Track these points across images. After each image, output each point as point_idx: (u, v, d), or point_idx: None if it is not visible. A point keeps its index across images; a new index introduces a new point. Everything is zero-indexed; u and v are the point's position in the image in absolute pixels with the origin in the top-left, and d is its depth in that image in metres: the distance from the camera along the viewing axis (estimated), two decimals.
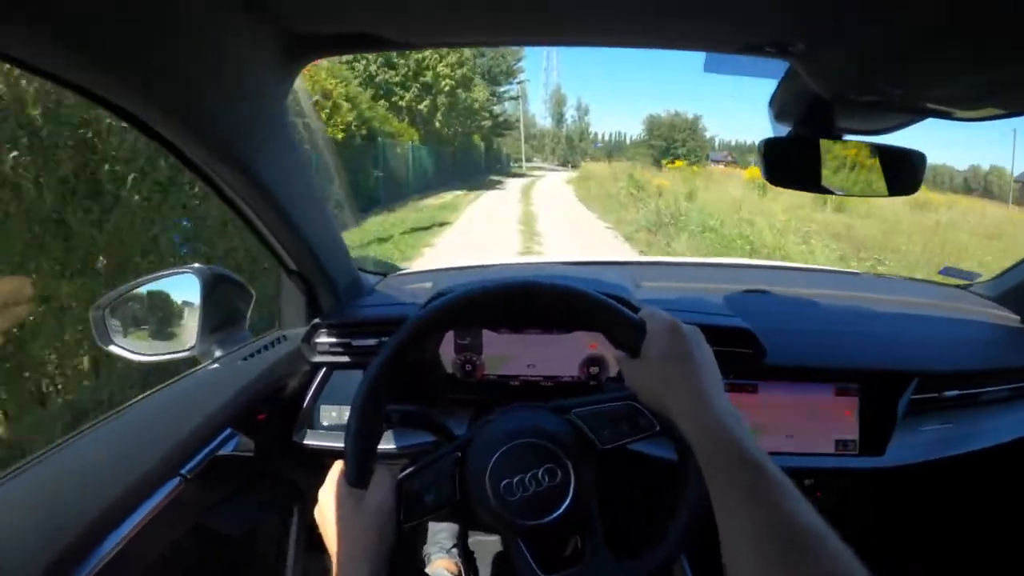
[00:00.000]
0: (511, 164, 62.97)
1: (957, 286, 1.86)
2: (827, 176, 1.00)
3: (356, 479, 0.83)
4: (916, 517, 1.62)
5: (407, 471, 0.89)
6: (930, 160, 1.08)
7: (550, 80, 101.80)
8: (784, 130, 1.08)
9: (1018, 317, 1.64)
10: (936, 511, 1.62)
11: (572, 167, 68.52)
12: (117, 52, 0.64)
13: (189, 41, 0.71)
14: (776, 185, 1.03)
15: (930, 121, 0.95)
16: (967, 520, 1.65)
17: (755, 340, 1.28)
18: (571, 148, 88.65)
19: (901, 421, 1.32)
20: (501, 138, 53.48)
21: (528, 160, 71.00)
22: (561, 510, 0.83)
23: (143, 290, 1.38)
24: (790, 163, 1.03)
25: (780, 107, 1.06)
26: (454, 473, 0.89)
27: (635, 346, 0.83)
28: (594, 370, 1.34)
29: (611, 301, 0.86)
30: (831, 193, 1.02)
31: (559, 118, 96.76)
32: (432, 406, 1.28)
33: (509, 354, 1.36)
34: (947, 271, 1.95)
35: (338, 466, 0.84)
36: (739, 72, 1.06)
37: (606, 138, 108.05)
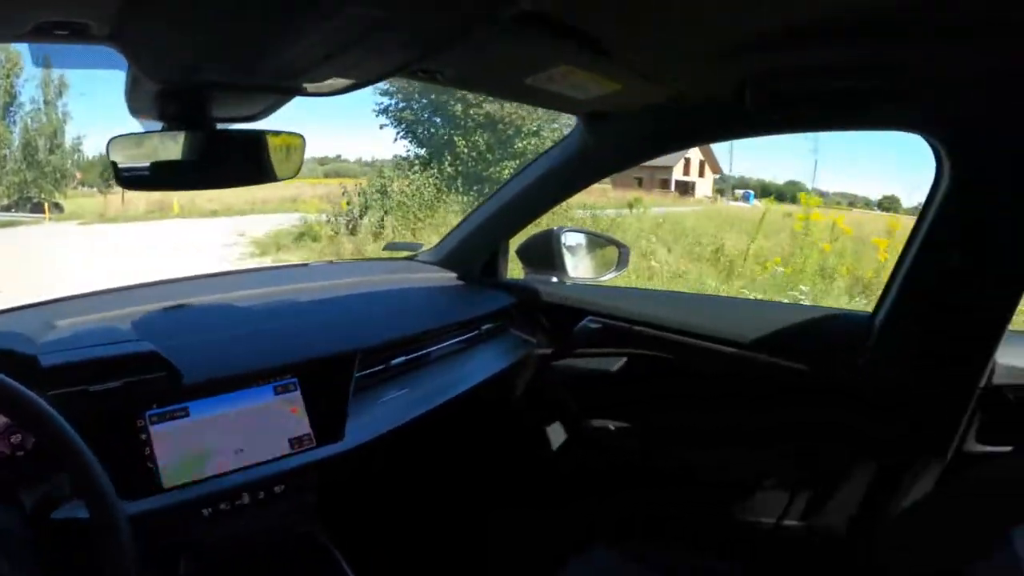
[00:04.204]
0: None
1: (404, 258, 1.99)
2: (199, 169, 0.92)
3: None
4: (400, 484, 1.70)
5: None
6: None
7: None
8: (155, 125, 0.97)
9: (454, 275, 1.82)
10: (418, 473, 1.72)
11: (42, 209, 26.24)
12: None
13: None
14: (130, 188, 0.92)
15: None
16: (450, 472, 1.78)
17: (164, 361, 1.15)
18: (36, 168, 27.10)
19: (352, 401, 1.32)
20: None
21: None
22: None
23: None
24: (150, 161, 0.92)
25: (134, 100, 0.94)
26: None
27: None
28: (15, 438, 1.08)
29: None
30: (204, 187, 0.95)
31: (6, 105, 24.95)
32: None
33: None
34: (391, 246, 2.10)
35: None
36: (74, 64, 0.93)
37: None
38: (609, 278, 1.87)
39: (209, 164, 0.93)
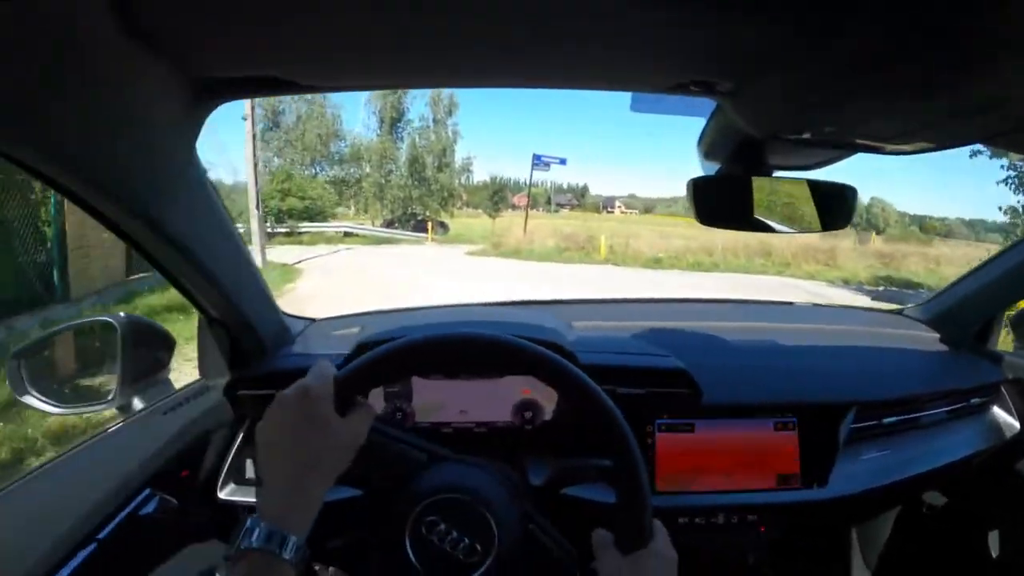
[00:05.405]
0: None
1: (892, 311, 1.89)
2: (759, 213, 0.99)
3: (346, 405, 0.82)
4: (861, 545, 1.63)
5: (384, 429, 0.93)
6: None
7: None
8: (713, 168, 1.07)
9: (937, 336, 1.69)
10: (879, 537, 1.63)
11: (425, 227, 26.70)
12: (12, 103, 0.60)
13: (89, 89, 0.66)
14: (707, 224, 1.01)
15: None
16: (909, 544, 1.66)
17: (691, 380, 1.27)
18: (422, 185, 30.71)
19: (842, 451, 1.32)
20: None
21: (327, 217, 27.24)
22: None
23: (61, 338, 1.34)
24: (720, 202, 1.01)
25: (709, 145, 1.05)
26: (407, 469, 0.92)
27: (630, 546, 0.82)
28: (528, 414, 1.31)
29: (645, 482, 0.84)
30: (764, 230, 1.01)
31: (393, 122, 31.45)
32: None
33: (440, 401, 1.32)
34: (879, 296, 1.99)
35: (313, 390, 0.80)
36: (666, 111, 1.06)
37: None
38: None
39: (763, 207, 1.00)
